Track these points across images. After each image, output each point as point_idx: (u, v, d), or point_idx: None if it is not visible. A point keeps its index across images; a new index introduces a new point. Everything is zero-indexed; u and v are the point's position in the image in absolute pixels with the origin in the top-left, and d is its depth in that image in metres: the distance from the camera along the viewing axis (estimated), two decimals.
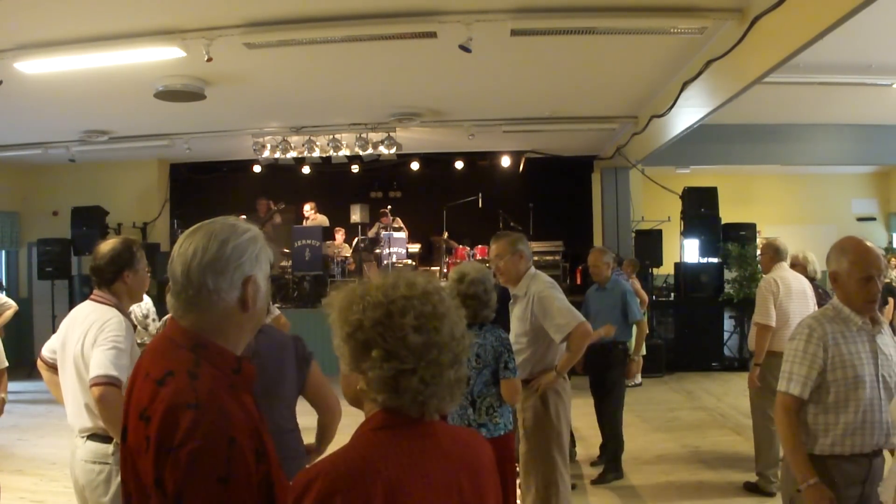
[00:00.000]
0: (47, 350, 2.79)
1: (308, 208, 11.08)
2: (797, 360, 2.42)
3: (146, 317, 5.26)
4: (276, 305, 9.51)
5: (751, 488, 4.68)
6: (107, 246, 2.69)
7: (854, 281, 2.39)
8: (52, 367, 2.75)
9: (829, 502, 2.31)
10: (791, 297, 4.55)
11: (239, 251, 1.38)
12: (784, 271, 4.70)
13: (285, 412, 2.47)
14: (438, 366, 1.23)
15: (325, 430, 2.64)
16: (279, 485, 1.30)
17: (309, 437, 2.64)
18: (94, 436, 2.55)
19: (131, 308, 4.17)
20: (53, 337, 2.78)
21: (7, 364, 6.50)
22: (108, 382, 2.37)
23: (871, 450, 2.37)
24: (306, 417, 2.63)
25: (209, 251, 1.36)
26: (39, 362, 2.81)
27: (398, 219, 11.20)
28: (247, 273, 1.39)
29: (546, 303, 3.49)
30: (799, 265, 5.00)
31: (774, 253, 4.78)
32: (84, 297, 2.76)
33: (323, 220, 11.11)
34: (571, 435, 4.93)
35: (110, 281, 2.66)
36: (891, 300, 6.09)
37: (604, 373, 5.07)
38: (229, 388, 1.33)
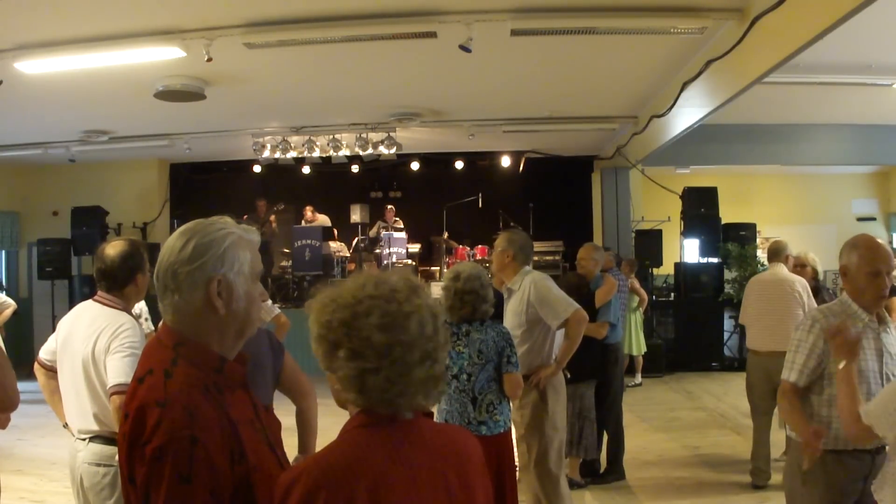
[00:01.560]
0: (45, 353, 2.74)
1: (308, 212, 11.10)
2: (797, 348, 2.49)
3: (139, 316, 5.27)
4: (277, 305, 9.54)
5: (759, 486, 4.71)
6: (114, 249, 2.63)
7: (863, 275, 2.43)
8: (50, 371, 2.71)
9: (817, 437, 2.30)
10: (763, 297, 4.76)
11: (199, 251, 1.35)
12: (768, 272, 4.91)
13: (268, 400, 2.53)
14: (405, 364, 1.22)
15: (306, 417, 2.66)
16: (261, 487, 1.28)
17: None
18: (96, 438, 2.53)
19: None
20: (51, 338, 2.73)
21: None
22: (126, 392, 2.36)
23: (873, 446, 2.38)
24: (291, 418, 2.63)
25: (174, 251, 1.36)
26: (37, 366, 2.76)
27: (398, 219, 11.22)
28: (209, 273, 1.35)
29: (542, 291, 3.60)
30: (809, 266, 5.04)
31: (769, 254, 4.97)
32: (84, 298, 2.73)
33: (324, 219, 11.11)
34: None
35: (124, 284, 2.62)
36: (893, 299, 6.09)
37: (603, 373, 5.06)
38: (206, 387, 1.31)
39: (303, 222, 11.07)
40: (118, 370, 2.41)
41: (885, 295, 2.44)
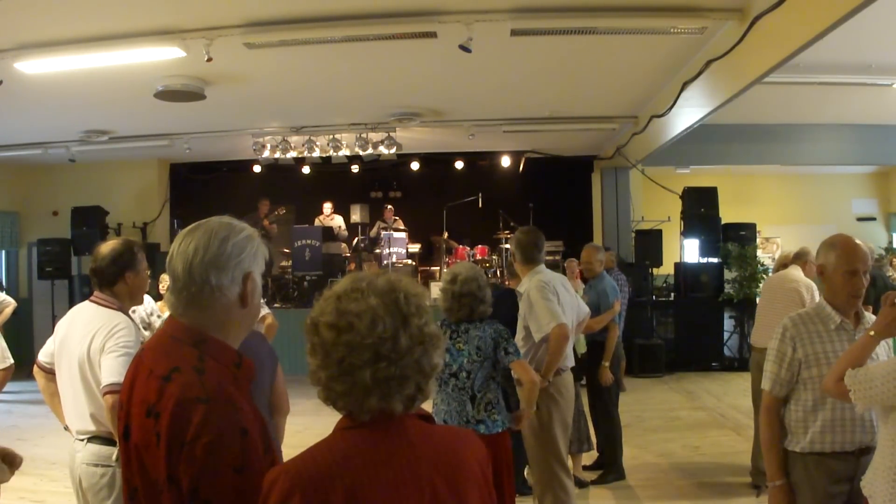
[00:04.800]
0: (44, 355, 2.75)
1: (328, 207, 11.11)
2: (772, 358, 2.50)
3: (150, 314, 5.27)
4: (276, 305, 9.55)
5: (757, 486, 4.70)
6: (107, 247, 2.67)
7: (839, 274, 2.42)
8: (49, 373, 2.72)
9: None
10: (765, 299, 4.88)
11: (239, 248, 1.42)
12: (776, 274, 5.00)
13: (265, 403, 2.55)
14: (350, 365, 1.20)
15: (276, 431, 2.68)
16: None
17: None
18: (94, 438, 2.53)
19: (134, 309, 4.16)
20: (49, 341, 2.74)
21: (13, 361, 6.61)
22: (119, 391, 2.36)
23: (855, 448, 2.38)
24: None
25: (211, 249, 1.39)
26: (36, 368, 2.77)
27: (398, 219, 11.23)
28: (246, 269, 1.43)
29: (533, 301, 3.57)
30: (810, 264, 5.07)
31: (792, 256, 5.01)
32: (84, 298, 2.74)
33: (339, 220, 11.11)
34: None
35: (112, 282, 2.64)
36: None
37: (591, 372, 5.09)
38: (233, 381, 1.36)
39: (316, 220, 11.06)
40: (111, 370, 2.42)
41: (860, 294, 2.42)
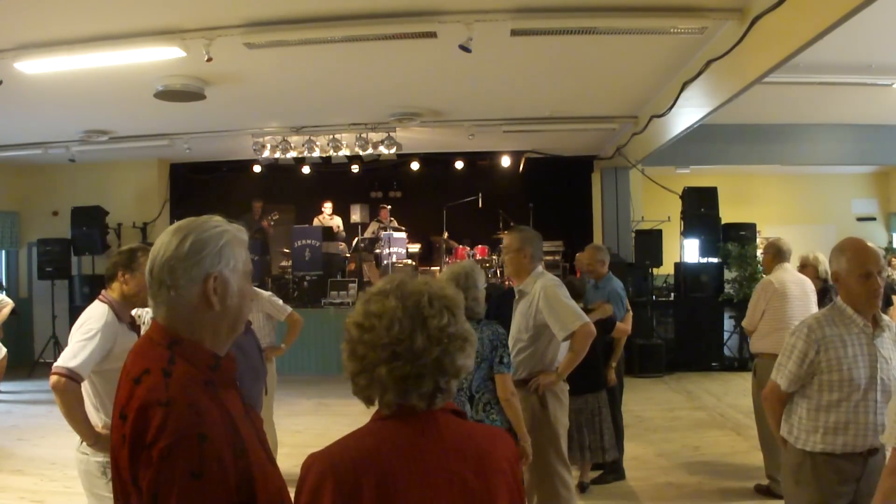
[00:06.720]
0: None
1: (328, 207, 11.12)
2: (790, 355, 2.52)
3: (145, 324, 5.31)
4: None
5: (762, 491, 4.63)
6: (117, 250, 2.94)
7: (854, 278, 2.42)
8: None
9: None
10: (788, 300, 4.41)
11: (197, 247, 1.36)
12: (784, 273, 4.56)
13: (259, 398, 2.60)
14: (368, 361, 1.30)
15: None
16: (260, 480, 1.31)
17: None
18: None
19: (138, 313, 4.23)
20: None
21: (6, 350, 6.79)
22: (62, 374, 2.50)
23: (864, 449, 2.39)
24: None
25: (169, 247, 1.37)
26: None
27: (393, 219, 11.23)
28: (207, 269, 1.36)
29: (552, 300, 3.51)
30: (810, 266, 4.97)
31: (776, 253, 4.64)
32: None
33: (337, 221, 11.12)
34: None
35: (110, 279, 2.84)
36: (895, 299, 6.04)
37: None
38: (205, 384, 1.33)
39: (315, 220, 11.05)
40: (64, 353, 2.59)
41: (878, 295, 2.43)
